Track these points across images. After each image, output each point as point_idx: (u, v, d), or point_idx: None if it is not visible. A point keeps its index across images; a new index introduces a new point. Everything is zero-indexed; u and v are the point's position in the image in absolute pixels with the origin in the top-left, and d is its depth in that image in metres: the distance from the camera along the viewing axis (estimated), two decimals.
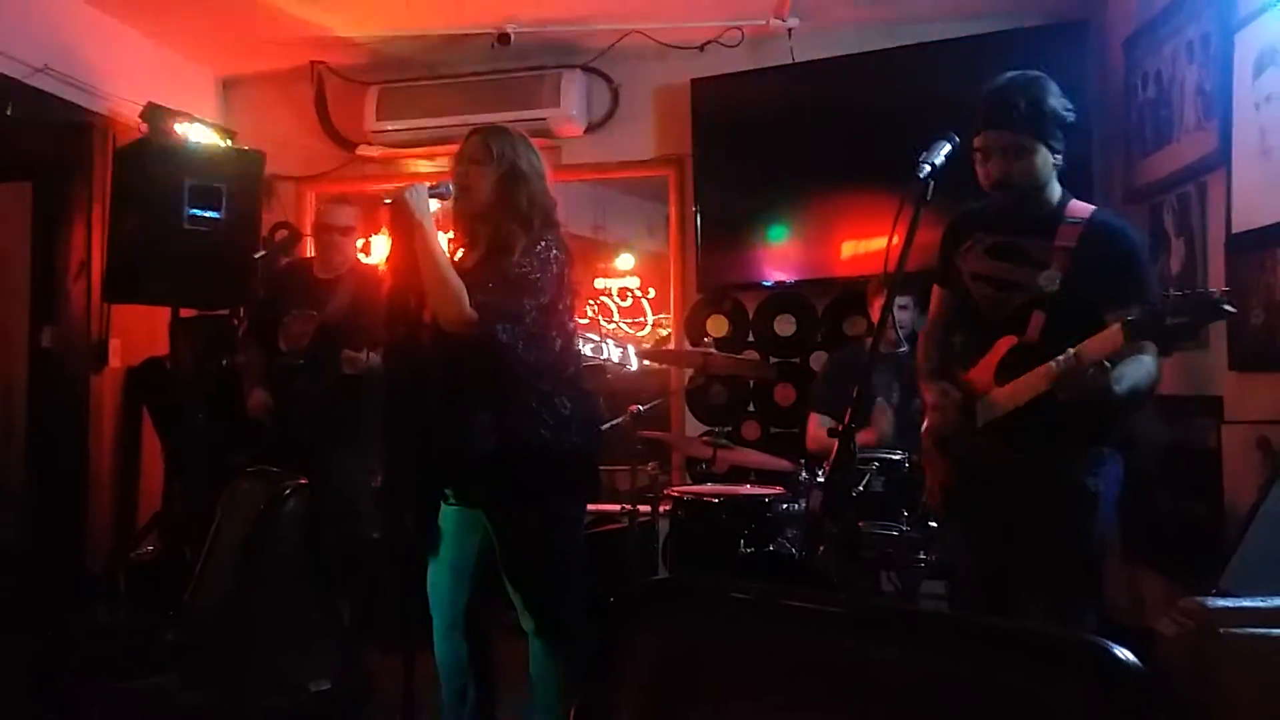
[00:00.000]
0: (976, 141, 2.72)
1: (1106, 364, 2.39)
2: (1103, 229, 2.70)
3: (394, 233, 2.96)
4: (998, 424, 2.71)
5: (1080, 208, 2.75)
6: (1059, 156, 2.72)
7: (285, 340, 4.35)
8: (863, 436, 4.04)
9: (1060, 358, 2.47)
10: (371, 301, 4.20)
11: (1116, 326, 2.37)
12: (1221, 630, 1.10)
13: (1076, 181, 2.98)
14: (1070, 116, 2.70)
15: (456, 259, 3.06)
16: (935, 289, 3.07)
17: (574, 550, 3.02)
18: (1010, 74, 2.72)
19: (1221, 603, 1.14)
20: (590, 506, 3.43)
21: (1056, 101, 2.67)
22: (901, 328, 4.29)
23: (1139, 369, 2.51)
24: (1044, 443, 2.65)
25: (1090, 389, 2.42)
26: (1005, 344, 2.72)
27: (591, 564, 3.08)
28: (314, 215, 4.66)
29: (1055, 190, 2.77)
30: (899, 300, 4.28)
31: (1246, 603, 1.18)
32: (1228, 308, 2.27)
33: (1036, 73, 2.72)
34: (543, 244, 2.88)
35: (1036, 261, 2.70)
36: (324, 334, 4.28)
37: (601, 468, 3.16)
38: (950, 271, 2.95)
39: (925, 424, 3.01)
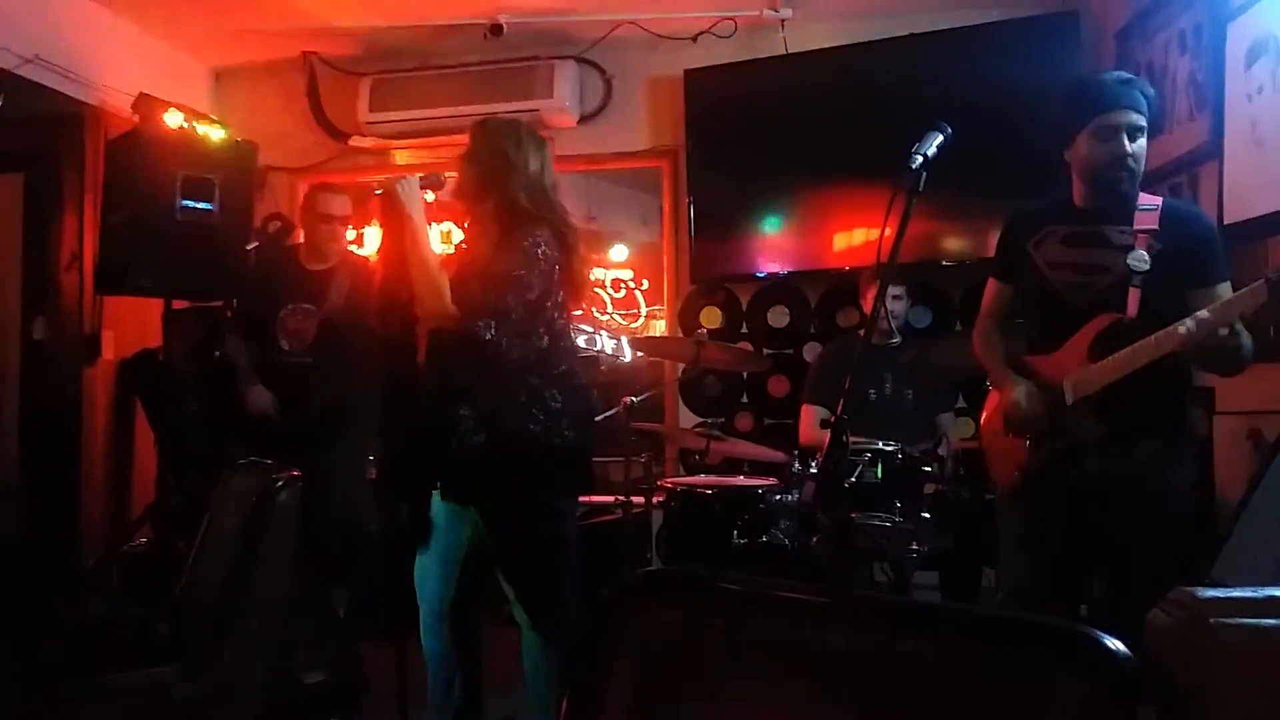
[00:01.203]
0: (1100, 120, 2.79)
1: (1239, 326, 2.49)
2: (1180, 213, 2.87)
3: (384, 225, 2.95)
4: (1090, 401, 2.79)
5: (1150, 197, 2.88)
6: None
7: (285, 337, 4.33)
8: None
9: (1197, 315, 2.52)
10: (368, 291, 4.20)
11: (1260, 283, 2.44)
12: (1212, 620, 1.10)
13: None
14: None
15: (456, 251, 3.06)
16: (991, 283, 3.15)
17: (566, 542, 3.02)
18: (1115, 72, 2.95)
19: (1212, 593, 1.14)
20: (583, 498, 3.44)
21: (1154, 96, 2.85)
22: (895, 318, 4.30)
23: (1250, 340, 2.60)
24: (1133, 419, 2.75)
25: (1222, 349, 2.53)
26: (1101, 322, 2.80)
27: (585, 555, 3.08)
28: (304, 203, 4.61)
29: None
30: (892, 290, 4.29)
31: (1237, 593, 1.18)
32: None
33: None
34: (531, 239, 2.86)
35: (1120, 245, 2.81)
36: (327, 330, 4.26)
37: (595, 459, 3.15)
38: (1015, 264, 3.01)
39: (990, 412, 3.07)
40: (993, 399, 3.07)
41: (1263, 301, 2.44)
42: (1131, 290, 2.75)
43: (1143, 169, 2.83)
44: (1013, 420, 2.94)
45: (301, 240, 4.66)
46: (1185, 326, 2.53)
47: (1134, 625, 1.11)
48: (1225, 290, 2.66)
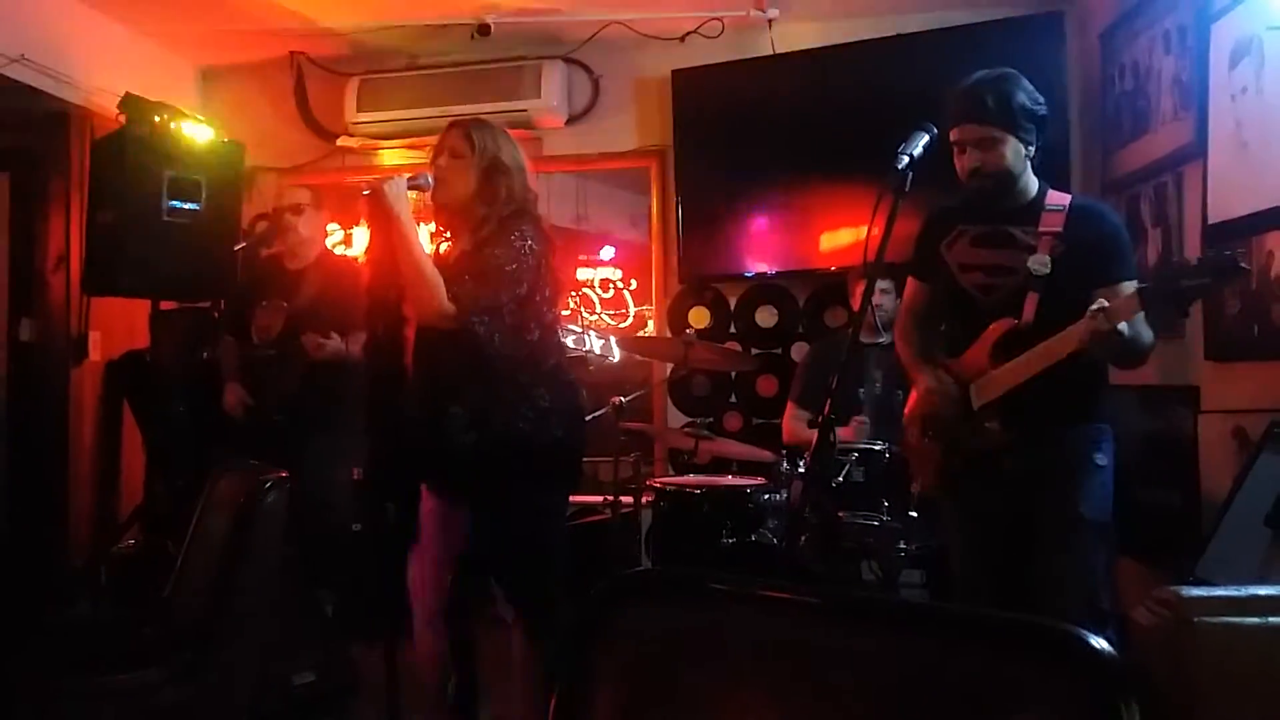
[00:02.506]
0: (952, 135, 2.84)
1: (1123, 328, 2.50)
2: (1085, 212, 2.85)
3: (372, 225, 2.96)
4: (994, 404, 2.83)
5: (1059, 196, 2.89)
6: (1031, 148, 2.84)
7: (256, 332, 4.35)
8: (841, 433, 4.06)
9: (1091, 312, 2.52)
10: (339, 290, 4.21)
11: (1132, 291, 2.51)
12: (1196, 619, 1.11)
13: (1055, 171, 3.08)
14: (1041, 110, 2.83)
15: (440, 252, 3.06)
16: (911, 281, 3.17)
17: (554, 541, 3.04)
18: (980, 73, 2.86)
19: (1196, 591, 1.15)
20: (573, 498, 3.44)
21: (1025, 95, 2.80)
22: (882, 313, 4.31)
23: (1149, 334, 2.67)
24: (1043, 419, 2.78)
25: (1120, 346, 2.56)
26: (1000, 327, 2.82)
27: (574, 555, 3.10)
28: (275, 217, 4.63)
29: (1031, 180, 2.90)
30: (880, 285, 4.30)
31: (1221, 591, 1.19)
32: (1244, 265, 2.38)
33: (1005, 70, 2.86)
34: (518, 234, 2.88)
35: (1025, 247, 2.82)
36: (292, 323, 4.26)
37: (585, 459, 3.16)
38: (930, 264, 3.04)
39: (910, 410, 3.08)
40: (912, 399, 3.10)
41: (1138, 311, 2.51)
42: (1029, 295, 2.77)
43: (1015, 171, 2.82)
44: (927, 413, 2.99)
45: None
46: (1088, 319, 2.53)
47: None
48: (1128, 288, 2.61)
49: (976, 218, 2.93)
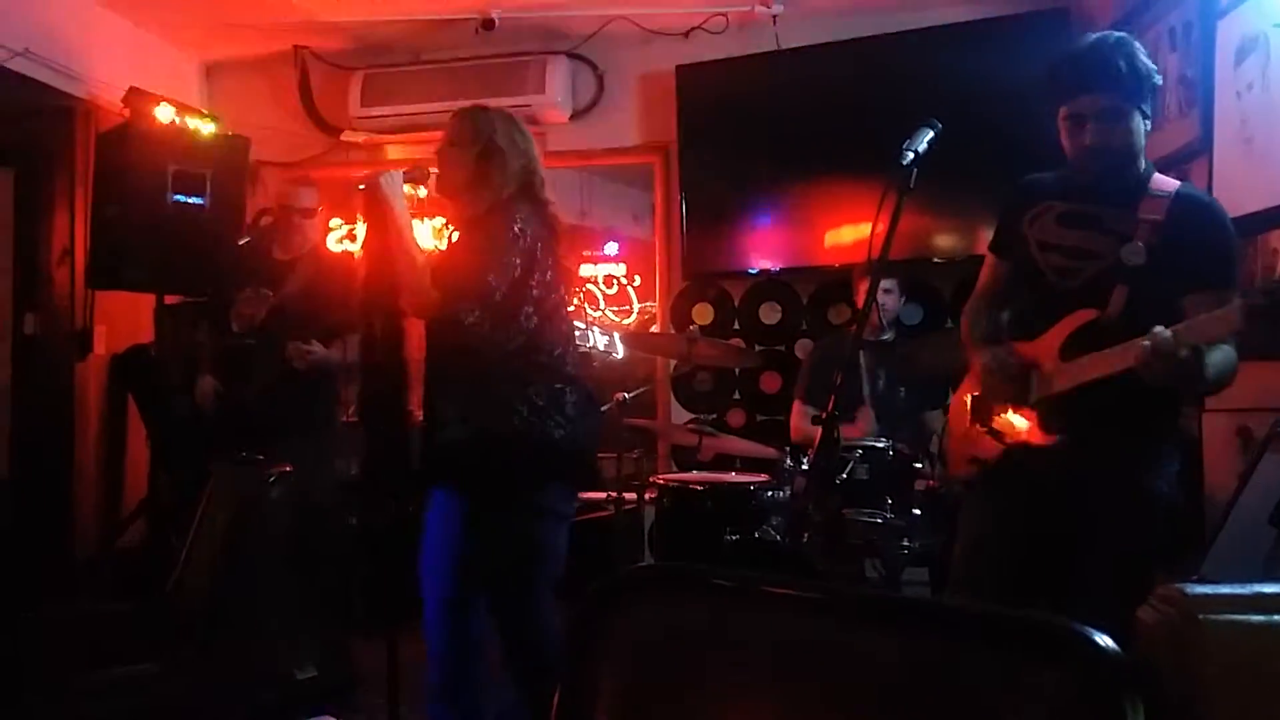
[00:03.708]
0: (1068, 108, 2.53)
1: (1203, 348, 2.17)
2: (1192, 204, 2.53)
3: (369, 219, 2.94)
4: (1053, 401, 2.53)
5: (1166, 181, 2.57)
6: (1149, 123, 2.55)
7: (236, 320, 4.27)
8: (848, 431, 4.05)
9: (1156, 332, 2.18)
10: (327, 285, 4.16)
11: (1237, 304, 2.12)
12: (1201, 616, 1.11)
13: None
14: (1159, 80, 2.55)
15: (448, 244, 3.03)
16: (988, 257, 2.86)
17: (543, 546, 2.88)
18: (1095, 35, 2.55)
19: (1201, 589, 1.15)
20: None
21: (1147, 62, 2.50)
22: (885, 311, 4.31)
23: (1225, 358, 2.31)
24: (1101, 428, 2.48)
25: (1179, 373, 2.21)
26: (1081, 317, 2.51)
27: (578, 551, 3.03)
28: (275, 196, 4.60)
29: (1143, 161, 2.59)
30: (884, 284, 4.30)
31: (1226, 589, 1.18)
32: None
33: (1122, 34, 2.56)
34: (508, 215, 2.80)
35: (1117, 232, 2.51)
36: (275, 314, 4.22)
37: (589, 455, 3.09)
38: (1011, 239, 2.73)
39: (959, 392, 2.86)
40: (965, 385, 2.85)
41: (1236, 328, 2.14)
42: (1118, 287, 2.46)
43: (1134, 150, 2.53)
44: (979, 394, 2.73)
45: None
46: (1150, 338, 2.19)
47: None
48: (1228, 298, 2.23)
49: (1069, 194, 2.62)
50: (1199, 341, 2.16)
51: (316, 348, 4.07)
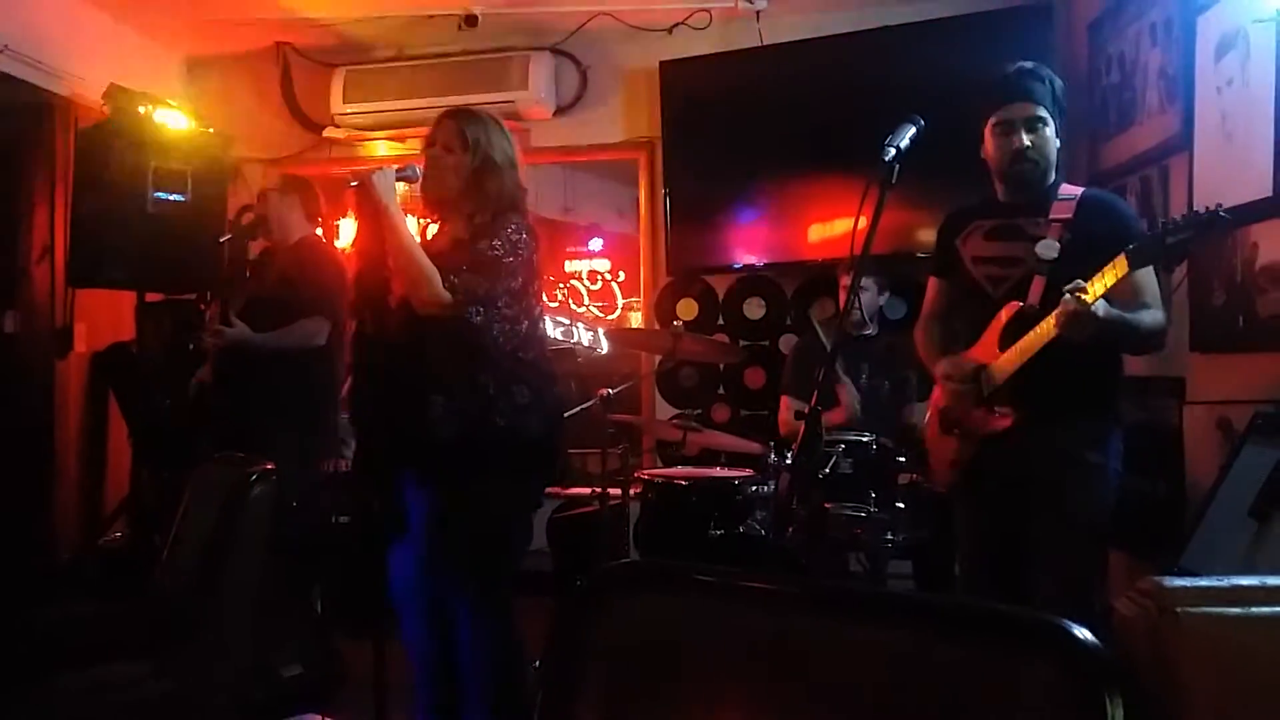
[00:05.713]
0: (997, 115, 2.88)
1: (1098, 308, 2.49)
2: (1095, 201, 2.88)
3: (360, 216, 2.95)
4: (1002, 391, 2.81)
5: (1071, 188, 2.92)
6: (1060, 140, 2.91)
7: (205, 344, 4.33)
8: (833, 416, 4.07)
9: (1065, 298, 2.51)
10: (302, 275, 4.15)
11: (1120, 255, 2.47)
12: (1179, 610, 1.12)
13: None
14: (1064, 104, 2.92)
15: (427, 239, 3.05)
16: (931, 280, 3.19)
17: (516, 530, 3.02)
18: (1019, 63, 2.91)
19: (1179, 582, 1.15)
20: (561, 490, 3.42)
21: (1061, 87, 2.89)
22: (867, 307, 4.33)
23: (1153, 319, 2.68)
24: (1044, 405, 2.76)
25: (1104, 329, 2.53)
26: (1008, 311, 2.83)
27: (562, 547, 3.06)
28: (260, 192, 4.62)
29: (1053, 173, 2.93)
30: (865, 281, 4.31)
31: (1204, 582, 1.19)
32: (1225, 215, 2.38)
33: (1038, 63, 2.94)
34: (512, 228, 2.87)
35: (1035, 236, 2.83)
36: (251, 306, 4.21)
37: (572, 451, 3.15)
38: (949, 260, 3.06)
39: (931, 402, 3.11)
40: (933, 399, 3.11)
41: (1126, 269, 2.47)
42: (1036, 278, 2.78)
43: (1052, 159, 2.87)
44: (944, 405, 2.99)
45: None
46: (1063, 302, 2.51)
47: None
48: (1138, 277, 2.61)
49: (991, 212, 2.98)
50: (1106, 293, 2.49)
51: (239, 328, 4.09)
